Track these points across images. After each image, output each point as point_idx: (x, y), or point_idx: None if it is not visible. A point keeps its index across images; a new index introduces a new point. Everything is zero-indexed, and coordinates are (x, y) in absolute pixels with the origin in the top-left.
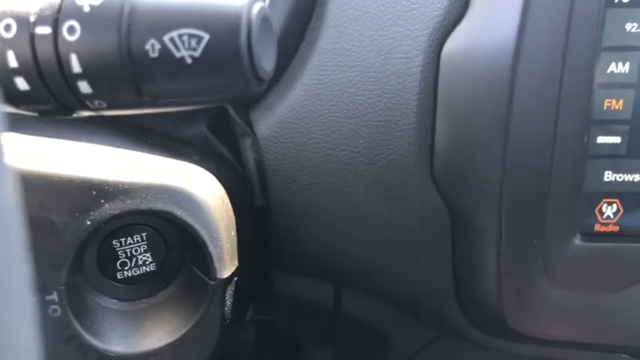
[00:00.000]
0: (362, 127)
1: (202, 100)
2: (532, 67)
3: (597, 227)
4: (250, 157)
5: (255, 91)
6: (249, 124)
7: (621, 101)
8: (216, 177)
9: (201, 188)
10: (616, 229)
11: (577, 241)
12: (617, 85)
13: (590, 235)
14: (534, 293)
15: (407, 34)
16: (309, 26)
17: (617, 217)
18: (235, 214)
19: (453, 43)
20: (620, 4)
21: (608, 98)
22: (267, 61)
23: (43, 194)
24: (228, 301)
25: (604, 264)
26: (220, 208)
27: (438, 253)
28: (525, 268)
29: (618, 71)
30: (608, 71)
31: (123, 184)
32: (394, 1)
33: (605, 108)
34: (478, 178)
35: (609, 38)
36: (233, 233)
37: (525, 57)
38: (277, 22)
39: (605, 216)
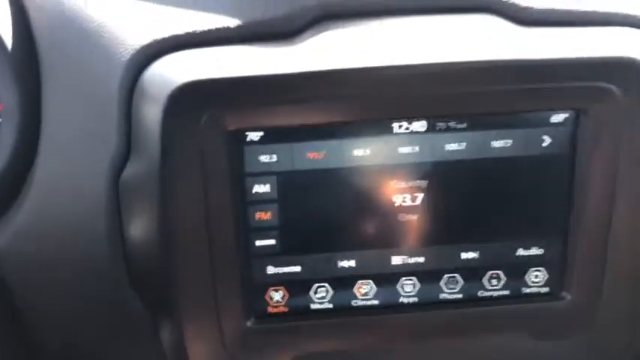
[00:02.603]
0: (71, 244)
1: None
2: (177, 189)
3: (270, 309)
4: None
5: None
6: None
7: (269, 213)
8: None
9: None
10: (285, 309)
11: (250, 323)
12: (263, 201)
13: (264, 317)
14: None
15: (92, 171)
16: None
17: (285, 300)
18: None
19: (126, 175)
20: (253, 142)
21: (258, 211)
22: None
23: None
24: None
25: (277, 339)
26: None
27: (144, 341)
28: (207, 346)
29: (261, 190)
30: (254, 191)
31: None
32: (82, 145)
33: (257, 219)
34: (159, 284)
35: (250, 166)
36: None
37: (170, 184)
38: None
39: (275, 300)
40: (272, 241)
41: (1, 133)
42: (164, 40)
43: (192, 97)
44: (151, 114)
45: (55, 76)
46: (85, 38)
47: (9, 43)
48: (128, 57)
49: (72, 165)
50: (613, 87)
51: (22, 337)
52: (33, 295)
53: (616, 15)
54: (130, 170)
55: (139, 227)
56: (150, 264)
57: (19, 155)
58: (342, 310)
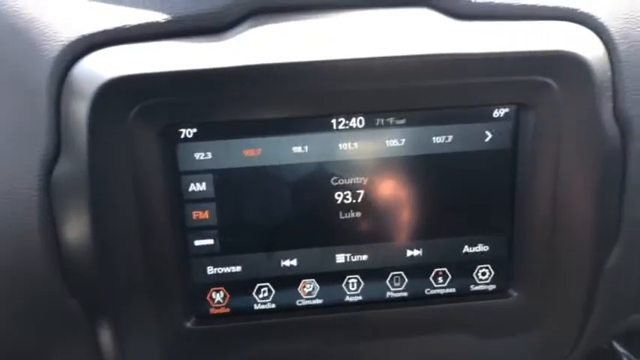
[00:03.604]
0: (5, 245)
1: None
2: (108, 188)
3: (212, 310)
4: None
5: None
6: None
7: (207, 212)
8: None
9: None
10: (227, 310)
11: (190, 324)
12: (200, 199)
13: (206, 318)
14: None
15: (24, 169)
16: None
17: (227, 300)
18: None
19: (57, 174)
20: (187, 139)
21: (195, 211)
22: None
23: None
24: None
25: (219, 340)
26: None
27: (81, 343)
28: (146, 349)
29: (198, 189)
30: (190, 190)
31: None
32: (12, 144)
33: (195, 218)
34: (94, 286)
35: (184, 164)
36: None
37: (100, 183)
38: None
39: (216, 301)
40: (211, 241)
41: None
42: (93, 35)
43: (120, 93)
44: (79, 111)
45: None
46: (14, 34)
47: None
48: (56, 53)
49: (2, 164)
50: (552, 81)
51: None
52: None
53: (555, 9)
54: (60, 169)
55: (72, 228)
56: (84, 266)
57: None
58: (286, 310)
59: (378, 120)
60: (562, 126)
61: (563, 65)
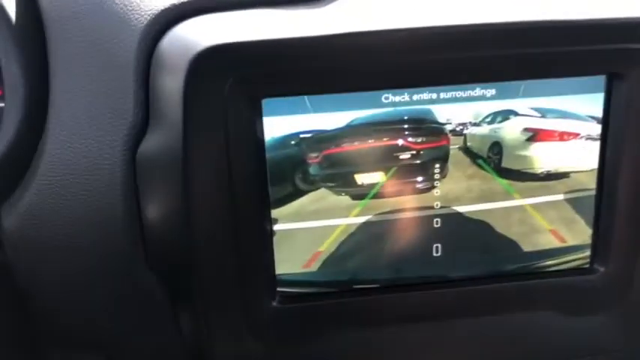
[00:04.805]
0: (84, 225)
1: None
2: (200, 161)
3: (296, 289)
4: None
5: None
6: None
7: None
8: None
9: None
10: (312, 289)
11: (275, 303)
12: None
13: (290, 297)
14: (239, 348)
15: (107, 144)
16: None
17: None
18: None
19: (144, 148)
20: (274, 111)
21: None
22: None
23: None
24: None
25: (304, 319)
26: None
27: (164, 321)
28: (230, 330)
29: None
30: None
31: None
32: (95, 118)
33: None
34: (180, 265)
35: (271, 135)
36: None
37: (193, 156)
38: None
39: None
40: None
41: (4, 109)
42: (184, 4)
43: (216, 63)
44: (172, 82)
45: (63, 46)
46: (97, 5)
47: (12, 13)
48: (145, 23)
49: (84, 140)
50: None
51: (29, 325)
52: (42, 280)
53: None
54: (148, 143)
55: (159, 204)
56: (171, 244)
57: (25, 132)
58: (370, 288)
59: (469, 92)
60: None
61: None
